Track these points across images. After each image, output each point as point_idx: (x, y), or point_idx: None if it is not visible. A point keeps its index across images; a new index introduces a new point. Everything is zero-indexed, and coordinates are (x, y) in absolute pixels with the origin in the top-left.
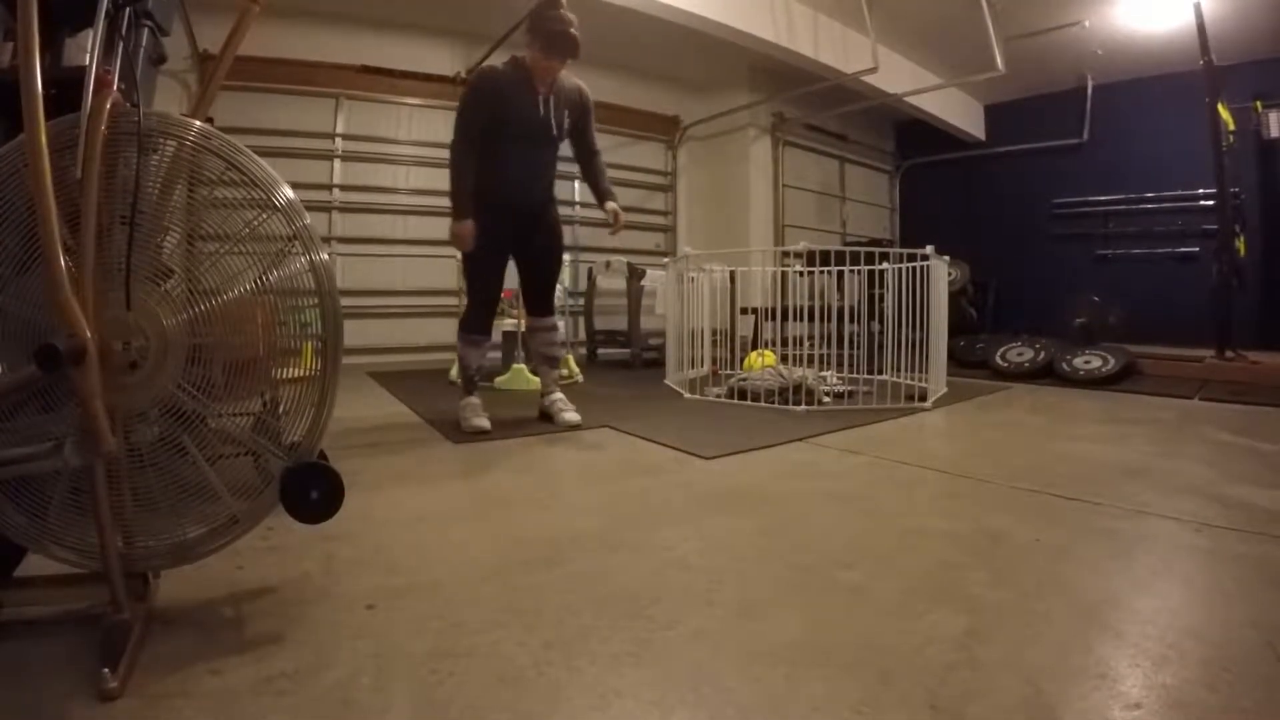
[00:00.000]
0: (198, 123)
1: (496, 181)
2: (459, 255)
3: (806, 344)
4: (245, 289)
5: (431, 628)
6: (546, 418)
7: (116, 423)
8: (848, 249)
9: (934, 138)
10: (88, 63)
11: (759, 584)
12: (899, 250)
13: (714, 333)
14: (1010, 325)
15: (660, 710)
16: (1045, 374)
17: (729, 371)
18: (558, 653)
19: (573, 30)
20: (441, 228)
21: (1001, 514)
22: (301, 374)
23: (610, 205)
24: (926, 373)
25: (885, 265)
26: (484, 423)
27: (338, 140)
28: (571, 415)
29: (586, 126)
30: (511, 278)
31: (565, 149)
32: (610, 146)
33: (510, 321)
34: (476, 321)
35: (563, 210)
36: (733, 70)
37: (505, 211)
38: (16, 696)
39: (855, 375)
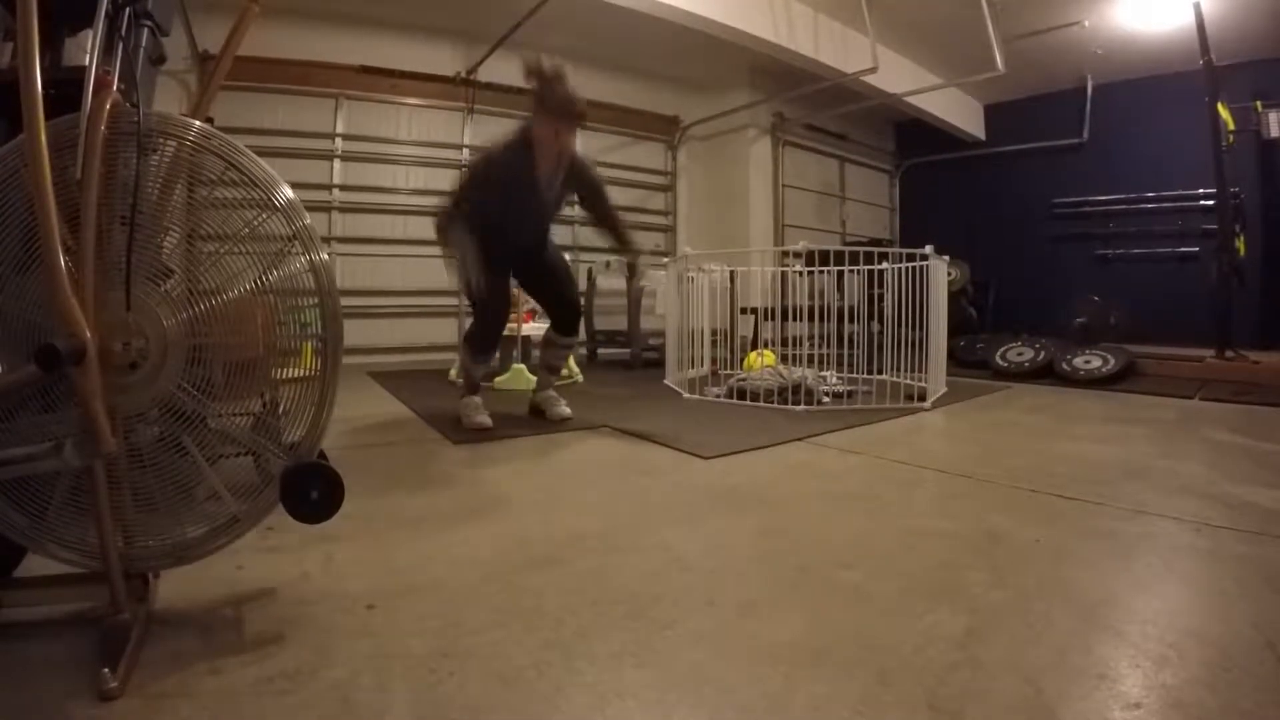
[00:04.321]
0: (197, 123)
1: (493, 219)
2: (462, 280)
3: (806, 344)
4: (245, 289)
5: (431, 628)
6: (538, 412)
7: (116, 423)
8: (847, 249)
9: (934, 138)
10: (88, 63)
11: (759, 584)
12: (899, 250)
13: (714, 333)
14: (1010, 325)
15: (660, 710)
16: (1045, 374)
17: (729, 371)
18: (558, 653)
19: (580, 101)
20: None
21: (1001, 514)
22: (301, 374)
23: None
24: (926, 372)
25: (885, 265)
26: (485, 419)
27: (337, 140)
28: (564, 409)
29: (597, 203)
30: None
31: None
32: (610, 146)
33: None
34: (483, 342)
35: (563, 210)
36: (733, 70)
37: (503, 239)
38: (17, 697)
39: (855, 375)
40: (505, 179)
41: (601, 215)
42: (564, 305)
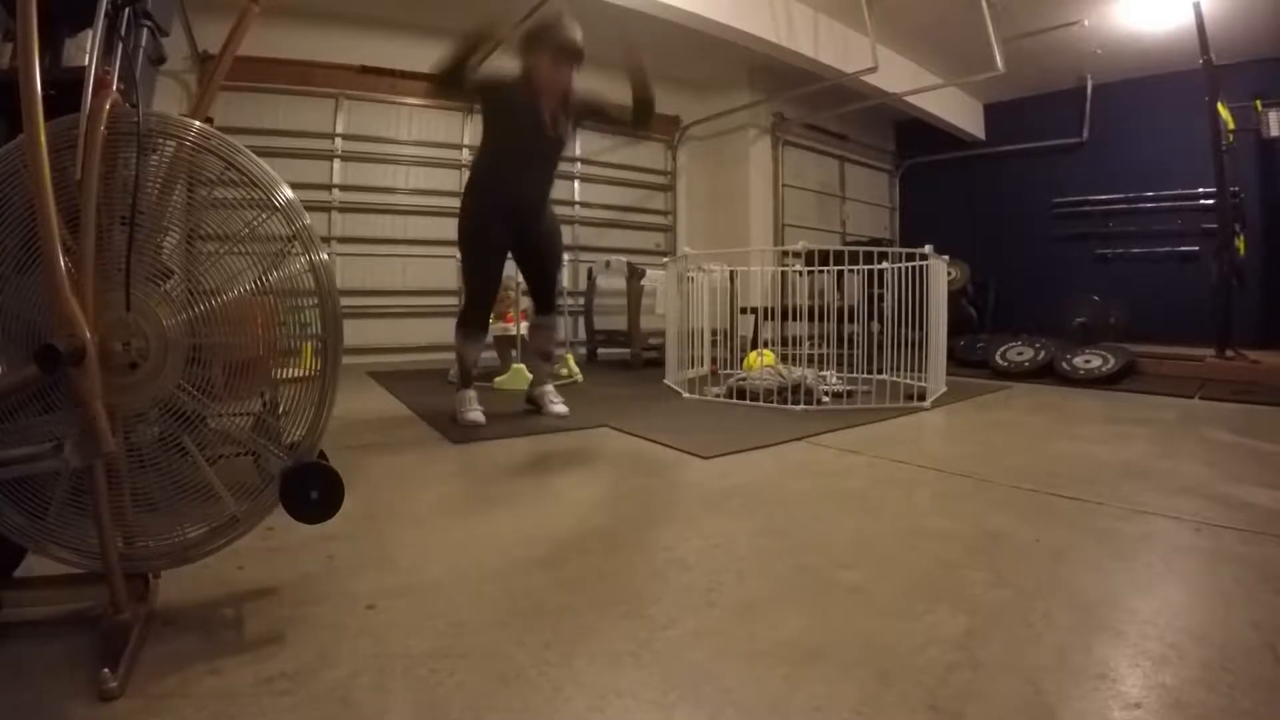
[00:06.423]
0: (197, 123)
1: (497, 179)
2: (458, 254)
3: (806, 344)
4: (245, 289)
5: (431, 628)
6: (534, 407)
7: (117, 423)
8: (847, 249)
9: (934, 137)
10: (87, 63)
11: (759, 584)
12: (899, 250)
13: (714, 333)
14: (1010, 325)
15: (660, 710)
16: (1045, 373)
17: (729, 371)
18: (558, 653)
19: (579, 40)
20: (441, 227)
21: (1001, 514)
22: (301, 374)
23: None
24: (926, 372)
25: (885, 265)
26: (479, 415)
27: (337, 140)
28: (560, 407)
29: (599, 110)
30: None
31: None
32: (610, 146)
33: (502, 325)
34: (475, 318)
35: (562, 210)
36: (733, 70)
37: (504, 209)
38: (17, 697)
39: (855, 375)
40: (507, 111)
41: (612, 105)
42: (545, 279)
